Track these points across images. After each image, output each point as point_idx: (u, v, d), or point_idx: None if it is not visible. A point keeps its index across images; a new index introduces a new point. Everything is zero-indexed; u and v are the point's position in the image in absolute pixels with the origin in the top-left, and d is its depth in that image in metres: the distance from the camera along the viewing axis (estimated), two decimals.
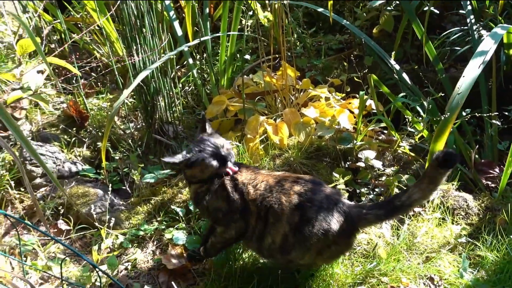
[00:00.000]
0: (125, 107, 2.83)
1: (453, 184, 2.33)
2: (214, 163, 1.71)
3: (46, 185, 2.37)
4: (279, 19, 2.71)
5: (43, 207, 2.18)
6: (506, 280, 1.83)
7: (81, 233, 2.13)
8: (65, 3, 3.27)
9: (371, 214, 1.68)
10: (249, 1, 3.29)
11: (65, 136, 2.65)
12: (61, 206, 2.19)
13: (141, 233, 2.11)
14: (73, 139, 2.64)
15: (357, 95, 2.56)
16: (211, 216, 1.81)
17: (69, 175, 2.44)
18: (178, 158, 1.71)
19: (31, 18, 3.01)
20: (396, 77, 2.82)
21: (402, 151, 2.53)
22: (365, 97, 2.44)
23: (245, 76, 2.91)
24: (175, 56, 2.97)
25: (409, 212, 2.15)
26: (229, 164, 1.75)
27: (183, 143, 2.74)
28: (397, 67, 2.91)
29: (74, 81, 2.86)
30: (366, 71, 2.79)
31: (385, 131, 2.69)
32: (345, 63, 3.34)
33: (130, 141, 2.67)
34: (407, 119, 2.51)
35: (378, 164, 2.33)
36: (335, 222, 1.62)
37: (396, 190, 2.25)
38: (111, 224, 2.08)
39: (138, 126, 2.86)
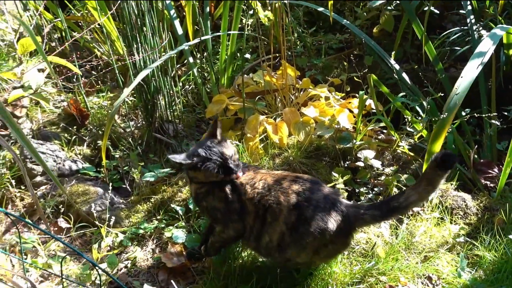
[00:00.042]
0: (126, 105, 2.84)
1: (452, 184, 2.34)
2: (219, 173, 1.69)
3: (47, 183, 2.38)
4: (279, 18, 2.72)
5: (43, 205, 2.19)
6: (503, 280, 1.83)
7: (81, 231, 2.14)
8: (66, 2, 3.28)
9: (368, 214, 1.68)
10: (250, 0, 3.30)
11: (66, 135, 2.66)
12: (61, 204, 2.20)
13: (141, 231, 2.12)
14: (74, 137, 2.64)
15: (357, 95, 2.56)
16: (210, 216, 1.82)
17: (69, 173, 2.45)
18: (184, 159, 1.70)
19: (32, 16, 3.01)
20: (396, 76, 2.82)
21: (401, 150, 2.53)
22: (365, 96, 2.44)
23: (245, 75, 2.92)
24: (175, 55, 2.98)
25: (407, 213, 2.16)
26: (233, 176, 1.74)
27: (183, 141, 2.75)
28: (397, 66, 2.91)
29: (74, 80, 2.87)
30: (366, 70, 2.79)
31: (385, 131, 2.70)
32: (345, 63, 3.35)
33: (130, 139, 2.68)
34: (406, 119, 2.52)
35: (377, 163, 2.34)
36: (332, 221, 1.63)
37: (395, 190, 2.26)
38: (111, 223, 2.09)
39: (139, 125, 2.87)
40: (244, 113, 2.66)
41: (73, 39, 2.68)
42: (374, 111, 2.66)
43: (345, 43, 3.57)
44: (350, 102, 2.67)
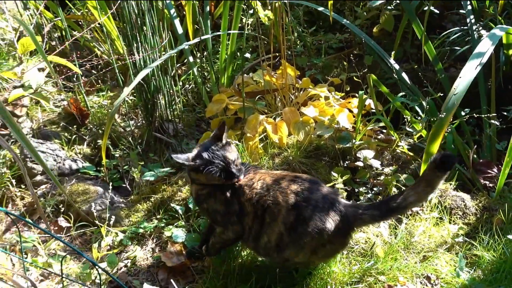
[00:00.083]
0: (126, 104, 2.84)
1: (451, 184, 2.35)
2: (221, 177, 1.69)
3: (47, 182, 2.38)
4: (279, 17, 2.72)
5: (43, 204, 2.19)
6: (502, 280, 1.84)
7: (81, 230, 2.14)
8: (66, 1, 3.28)
9: (366, 214, 1.69)
10: (250, 0, 3.30)
11: (66, 134, 2.67)
12: (61, 204, 2.20)
13: (141, 230, 2.13)
14: (74, 136, 2.65)
15: (357, 95, 2.56)
16: (211, 217, 1.83)
17: (69, 173, 2.46)
18: (187, 160, 1.70)
19: (32, 15, 3.02)
20: (396, 76, 2.83)
21: (400, 150, 2.54)
22: (364, 96, 2.45)
23: (245, 75, 2.92)
24: (175, 54, 2.98)
25: (405, 213, 2.16)
26: (235, 181, 1.74)
27: (183, 141, 2.75)
28: (397, 66, 2.92)
29: (75, 79, 2.87)
30: (366, 70, 2.80)
31: (384, 131, 2.70)
32: (345, 62, 3.35)
33: (130, 139, 2.69)
34: (406, 119, 2.53)
35: (376, 163, 2.35)
36: (330, 221, 1.63)
37: (394, 190, 2.26)
38: (111, 222, 2.10)
39: (138, 124, 2.87)
40: (244, 112, 2.66)
41: (73, 38, 2.68)
42: (374, 111, 2.67)
43: (345, 43, 3.57)
44: (349, 102, 2.67)
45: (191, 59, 2.95)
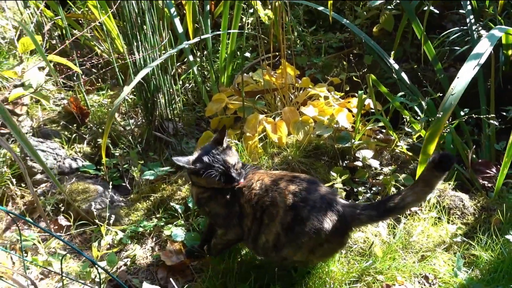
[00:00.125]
0: (126, 103, 2.85)
1: (449, 184, 2.35)
2: (221, 181, 1.70)
3: (47, 181, 2.39)
4: (279, 17, 2.72)
5: (43, 203, 2.20)
6: (499, 280, 1.85)
7: (81, 229, 2.15)
8: (67, 0, 3.28)
9: (364, 214, 1.69)
10: None
11: (66, 133, 2.67)
12: (61, 202, 2.21)
13: (141, 229, 2.14)
14: (74, 135, 2.66)
15: (356, 94, 2.57)
16: (212, 219, 1.85)
17: (69, 171, 2.47)
18: (188, 163, 1.71)
19: (33, 14, 3.02)
20: (395, 76, 2.83)
21: (399, 150, 2.54)
22: (364, 96, 2.45)
23: (245, 74, 2.93)
24: (175, 53, 2.98)
25: (403, 213, 2.17)
26: (235, 184, 1.74)
27: (182, 140, 2.76)
28: (396, 66, 2.92)
29: (75, 78, 2.88)
30: (365, 70, 2.80)
31: (383, 131, 2.71)
32: (344, 62, 3.35)
33: (130, 137, 2.69)
34: (405, 119, 2.53)
35: (375, 163, 2.35)
36: (327, 221, 1.64)
37: (393, 189, 2.27)
38: (111, 221, 2.10)
39: (138, 123, 2.88)
40: (243, 112, 2.66)
41: (73, 37, 2.69)
42: (373, 110, 2.67)
43: (344, 42, 3.57)
44: (349, 102, 2.68)
45: (191, 58, 2.96)
